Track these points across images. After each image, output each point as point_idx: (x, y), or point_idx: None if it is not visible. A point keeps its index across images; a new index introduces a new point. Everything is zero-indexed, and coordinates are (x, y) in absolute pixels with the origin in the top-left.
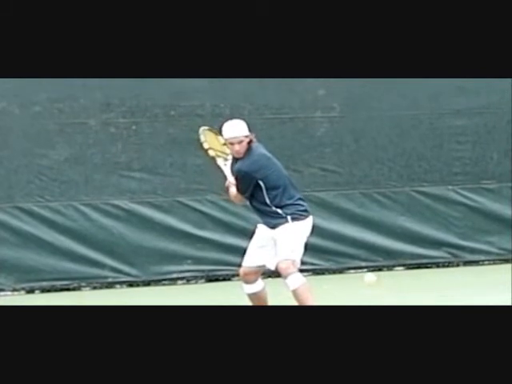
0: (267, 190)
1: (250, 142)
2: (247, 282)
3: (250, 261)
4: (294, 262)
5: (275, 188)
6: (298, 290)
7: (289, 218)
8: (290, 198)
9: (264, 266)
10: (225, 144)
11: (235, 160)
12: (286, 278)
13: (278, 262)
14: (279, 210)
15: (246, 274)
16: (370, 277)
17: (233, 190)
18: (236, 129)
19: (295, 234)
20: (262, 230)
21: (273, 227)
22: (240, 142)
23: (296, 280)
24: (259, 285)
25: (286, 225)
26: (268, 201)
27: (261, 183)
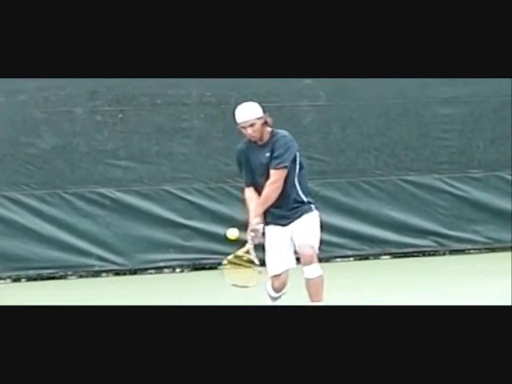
0: (300, 167)
1: (265, 124)
2: (281, 290)
3: (278, 268)
4: (316, 250)
5: (302, 168)
6: (316, 280)
7: (312, 206)
8: (308, 186)
9: (290, 268)
10: (237, 257)
11: (255, 146)
12: (307, 264)
13: (302, 246)
14: (304, 197)
15: (282, 283)
16: (232, 232)
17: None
18: (246, 113)
19: (317, 223)
20: (273, 233)
21: (292, 220)
22: (252, 125)
23: (317, 270)
24: (285, 289)
25: (311, 213)
26: (297, 183)
27: (297, 155)
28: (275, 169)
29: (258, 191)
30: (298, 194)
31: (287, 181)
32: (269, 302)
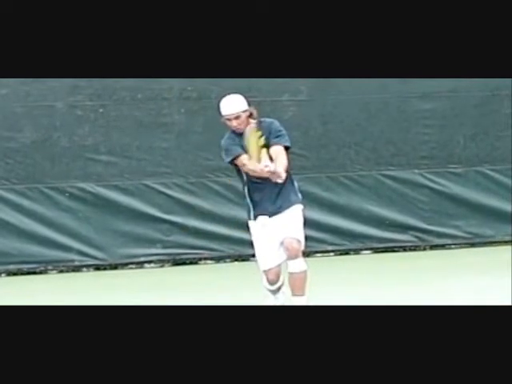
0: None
1: (250, 116)
2: (276, 282)
3: (271, 262)
4: (302, 245)
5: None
6: (300, 274)
7: (300, 196)
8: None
9: (281, 262)
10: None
11: (239, 138)
12: (293, 258)
13: (289, 240)
14: (293, 186)
15: (276, 275)
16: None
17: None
18: (231, 105)
19: (302, 217)
20: (261, 227)
21: (281, 210)
22: (237, 118)
23: (302, 264)
24: (281, 278)
25: (298, 205)
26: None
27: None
28: (283, 145)
29: (248, 181)
30: (288, 182)
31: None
32: (271, 298)
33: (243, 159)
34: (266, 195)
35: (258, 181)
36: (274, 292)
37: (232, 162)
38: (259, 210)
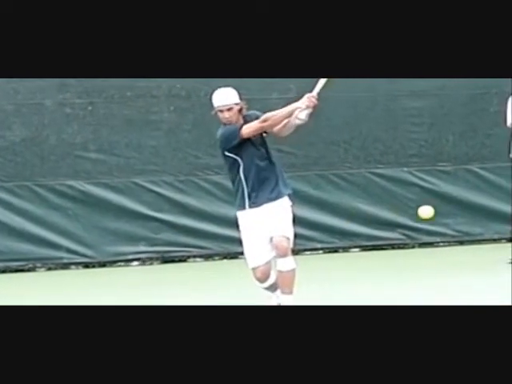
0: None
1: (240, 110)
2: (265, 280)
3: (258, 260)
4: (291, 243)
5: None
6: (289, 273)
7: (289, 188)
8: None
9: (270, 260)
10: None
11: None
12: (282, 257)
13: (278, 239)
14: (281, 177)
15: (264, 273)
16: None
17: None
18: (225, 96)
19: (289, 209)
20: (248, 221)
21: (269, 200)
22: (230, 109)
23: (291, 263)
24: (273, 274)
25: (285, 198)
26: (275, 161)
27: (264, 135)
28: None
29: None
30: (274, 172)
31: (265, 157)
32: (273, 297)
33: (248, 125)
34: (261, 182)
35: (257, 163)
36: (267, 289)
37: (240, 141)
38: (254, 198)
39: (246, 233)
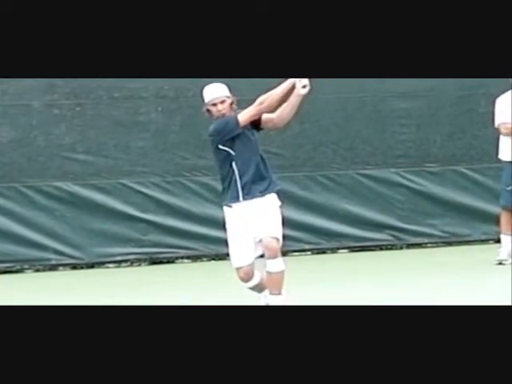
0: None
1: (231, 104)
2: (248, 280)
3: (242, 260)
4: (280, 243)
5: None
6: (278, 274)
7: (277, 183)
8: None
9: (253, 261)
10: None
11: None
12: (272, 258)
13: (267, 240)
14: (268, 171)
15: (246, 274)
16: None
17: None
18: (218, 90)
19: (277, 209)
20: (233, 218)
21: (256, 195)
22: (223, 102)
23: (281, 264)
24: (257, 275)
25: (273, 195)
26: (262, 155)
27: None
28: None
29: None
30: (264, 165)
31: (256, 149)
32: (262, 298)
33: (244, 112)
34: (253, 175)
35: (249, 156)
36: (253, 290)
37: (239, 130)
38: (247, 190)
39: (232, 231)
